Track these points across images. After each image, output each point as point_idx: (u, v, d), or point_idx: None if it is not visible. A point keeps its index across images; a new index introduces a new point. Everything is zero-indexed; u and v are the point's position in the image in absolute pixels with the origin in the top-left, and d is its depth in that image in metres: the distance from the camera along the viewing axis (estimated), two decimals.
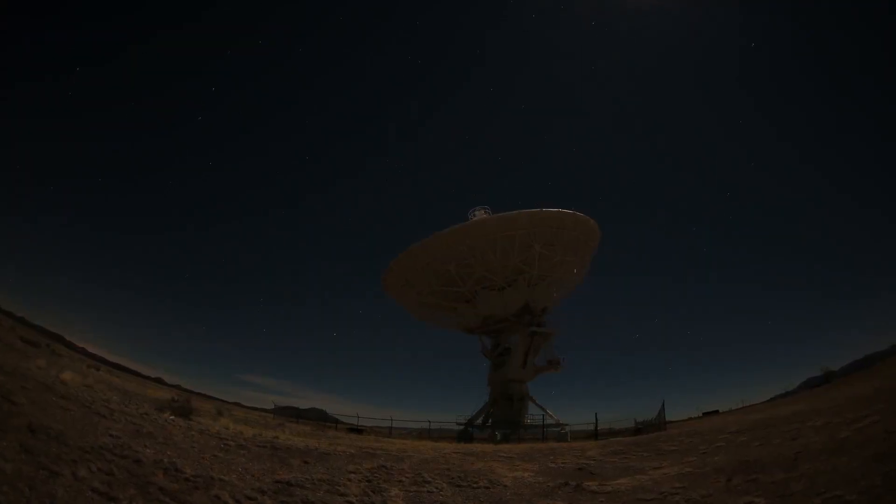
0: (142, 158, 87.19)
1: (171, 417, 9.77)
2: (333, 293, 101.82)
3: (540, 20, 78.17)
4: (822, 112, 79.20)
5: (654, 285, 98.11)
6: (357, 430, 28.80)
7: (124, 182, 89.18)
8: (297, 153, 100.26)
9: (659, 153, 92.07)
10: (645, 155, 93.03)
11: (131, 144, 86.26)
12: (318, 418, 34.65)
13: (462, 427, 30.68)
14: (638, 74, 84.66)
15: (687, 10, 71.09)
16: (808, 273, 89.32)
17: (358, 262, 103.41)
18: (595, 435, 25.09)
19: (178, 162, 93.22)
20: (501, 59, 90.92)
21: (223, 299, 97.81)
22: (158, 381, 43.16)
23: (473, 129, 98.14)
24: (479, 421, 31.30)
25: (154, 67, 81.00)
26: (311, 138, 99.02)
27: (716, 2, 70.46)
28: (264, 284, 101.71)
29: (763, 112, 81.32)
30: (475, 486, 7.09)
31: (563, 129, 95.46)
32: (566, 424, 29.35)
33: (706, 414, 30.37)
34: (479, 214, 31.22)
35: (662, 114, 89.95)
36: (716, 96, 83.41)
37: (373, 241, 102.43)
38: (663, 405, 24.16)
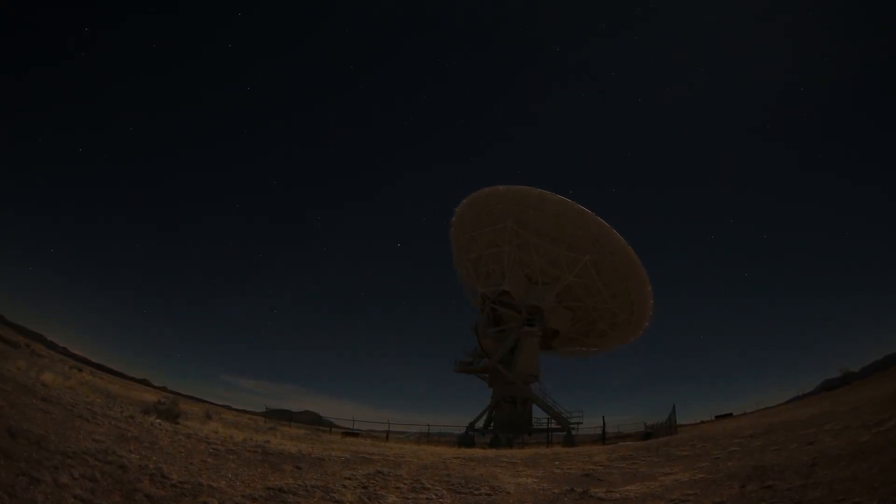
0: (129, 153, 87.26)
1: (158, 421, 9.80)
2: (328, 292, 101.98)
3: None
4: (837, 109, 79.33)
5: (663, 283, 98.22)
6: (353, 433, 28.95)
7: (110, 176, 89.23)
8: (289, 151, 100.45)
9: (670, 153, 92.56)
10: (656, 154, 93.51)
11: (118, 137, 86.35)
12: (312, 422, 34.83)
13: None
14: (647, 81, 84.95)
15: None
16: (824, 271, 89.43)
17: (352, 261, 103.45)
18: (602, 439, 25.21)
19: (167, 158, 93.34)
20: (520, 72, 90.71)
21: (212, 298, 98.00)
22: (144, 382, 43.34)
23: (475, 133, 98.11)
24: (481, 424, 31.37)
25: (149, 60, 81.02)
26: (306, 137, 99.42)
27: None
28: (255, 283, 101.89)
29: (776, 109, 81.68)
30: (476, 492, 7.12)
31: (570, 133, 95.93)
32: (572, 426, 29.43)
33: (719, 417, 30.45)
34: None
35: (671, 113, 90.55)
36: (724, 94, 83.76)
37: (369, 239, 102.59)
38: (674, 408, 24.28)
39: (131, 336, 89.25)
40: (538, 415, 31.59)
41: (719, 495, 5.93)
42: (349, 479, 7.39)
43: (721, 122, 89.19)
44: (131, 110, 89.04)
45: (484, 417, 31.66)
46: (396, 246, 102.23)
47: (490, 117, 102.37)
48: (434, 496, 6.65)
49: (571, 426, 29.38)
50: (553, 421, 30.12)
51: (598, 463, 11.18)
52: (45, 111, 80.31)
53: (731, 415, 30.67)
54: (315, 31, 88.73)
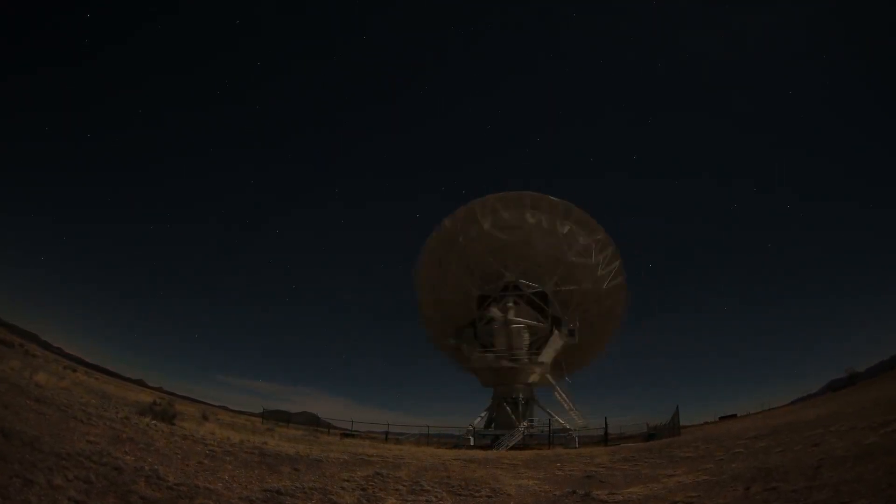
0: (127, 152, 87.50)
1: (153, 422, 9.81)
2: (325, 291, 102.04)
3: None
4: (843, 108, 79.44)
5: (668, 281, 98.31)
6: (351, 435, 28.98)
7: (106, 175, 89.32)
8: (285, 151, 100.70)
9: (674, 150, 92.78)
10: (660, 152, 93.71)
11: (115, 136, 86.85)
12: (310, 423, 34.90)
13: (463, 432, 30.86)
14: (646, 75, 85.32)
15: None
16: (830, 269, 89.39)
17: (349, 260, 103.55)
18: (605, 440, 25.24)
19: (164, 157, 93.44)
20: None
21: (209, 297, 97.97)
22: (139, 383, 43.44)
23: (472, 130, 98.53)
24: (482, 425, 31.38)
25: (153, 61, 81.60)
26: (300, 136, 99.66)
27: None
28: (254, 282, 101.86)
29: (785, 107, 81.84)
30: (477, 494, 7.13)
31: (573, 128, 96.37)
32: (571, 429, 29.44)
33: (723, 418, 30.59)
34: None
35: (673, 111, 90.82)
36: (725, 93, 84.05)
37: (367, 236, 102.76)
38: (677, 409, 24.30)
39: (127, 336, 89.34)
40: (539, 416, 31.63)
41: (723, 497, 5.94)
42: (347, 480, 7.41)
43: (726, 121, 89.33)
44: (131, 112, 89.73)
45: (485, 418, 31.68)
46: (397, 245, 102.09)
47: (494, 115, 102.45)
48: (434, 498, 6.66)
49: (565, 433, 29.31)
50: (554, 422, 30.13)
51: (600, 464, 11.20)
52: (44, 111, 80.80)
53: (735, 416, 30.82)
54: (316, 27, 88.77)
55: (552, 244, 30.58)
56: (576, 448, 22.53)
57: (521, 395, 30.91)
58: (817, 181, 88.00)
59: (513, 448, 24.03)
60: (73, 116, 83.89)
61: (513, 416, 29.58)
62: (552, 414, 30.46)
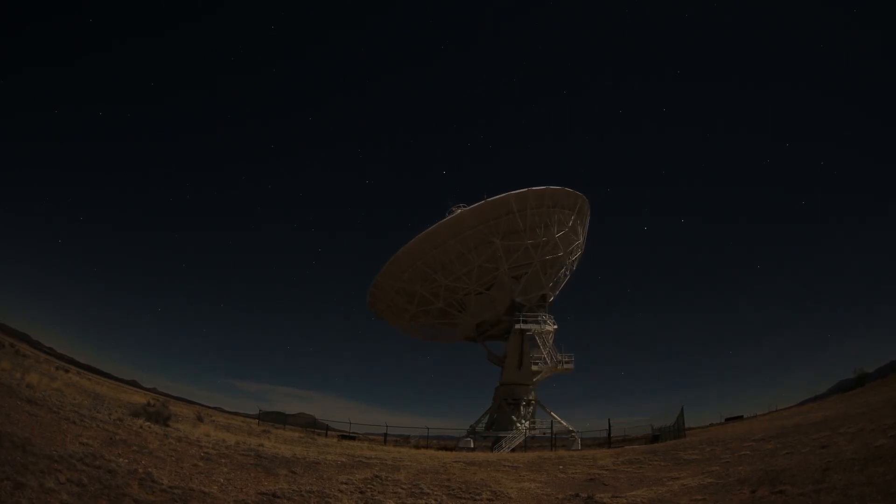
0: (127, 153, 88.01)
1: (147, 424, 9.83)
2: (324, 291, 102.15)
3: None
4: (853, 107, 79.36)
5: (674, 282, 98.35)
6: (349, 437, 29.06)
7: (104, 175, 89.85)
8: (283, 155, 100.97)
9: (683, 149, 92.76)
10: (668, 151, 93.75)
11: (116, 138, 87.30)
12: (307, 425, 35.03)
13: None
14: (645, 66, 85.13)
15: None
16: (838, 269, 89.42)
17: (348, 259, 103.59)
18: (608, 442, 25.28)
19: (163, 158, 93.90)
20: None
21: (205, 298, 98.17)
22: (133, 384, 43.62)
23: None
24: (482, 427, 31.44)
25: (151, 66, 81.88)
26: (299, 140, 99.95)
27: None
28: (249, 282, 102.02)
29: (795, 106, 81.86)
30: (477, 497, 7.14)
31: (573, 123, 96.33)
32: (574, 431, 29.50)
33: (729, 420, 30.62)
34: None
35: (683, 108, 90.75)
36: (731, 95, 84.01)
37: (367, 235, 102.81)
38: (682, 410, 24.32)
39: (120, 336, 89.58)
40: (541, 416, 31.67)
41: (729, 501, 5.95)
42: (346, 483, 7.41)
43: (735, 121, 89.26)
44: (130, 113, 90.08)
45: (485, 420, 31.73)
46: (396, 245, 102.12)
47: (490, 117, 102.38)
48: (433, 502, 6.67)
49: (568, 434, 29.35)
50: (557, 424, 30.18)
51: (603, 467, 11.22)
52: (43, 112, 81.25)
53: (741, 417, 30.84)
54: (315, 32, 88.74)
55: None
56: (578, 450, 22.58)
57: (522, 396, 30.98)
58: (827, 182, 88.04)
59: (514, 450, 24.10)
60: (70, 116, 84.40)
61: (514, 418, 29.61)
62: (555, 416, 30.54)
